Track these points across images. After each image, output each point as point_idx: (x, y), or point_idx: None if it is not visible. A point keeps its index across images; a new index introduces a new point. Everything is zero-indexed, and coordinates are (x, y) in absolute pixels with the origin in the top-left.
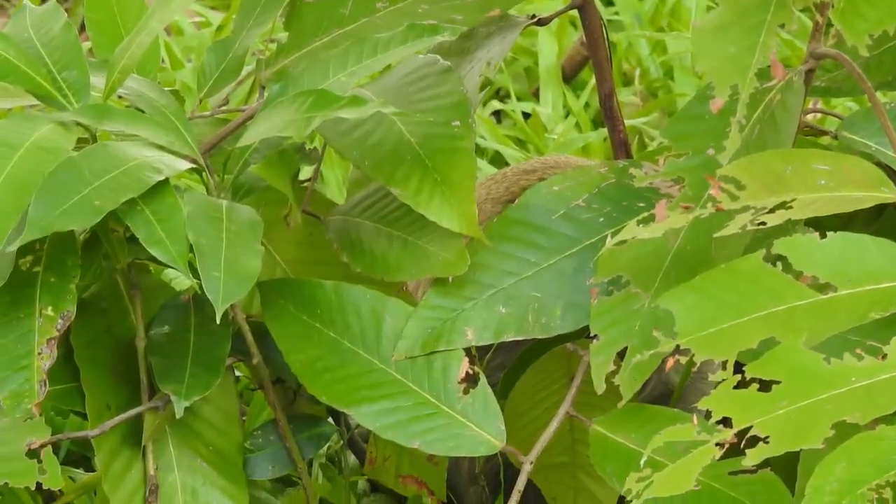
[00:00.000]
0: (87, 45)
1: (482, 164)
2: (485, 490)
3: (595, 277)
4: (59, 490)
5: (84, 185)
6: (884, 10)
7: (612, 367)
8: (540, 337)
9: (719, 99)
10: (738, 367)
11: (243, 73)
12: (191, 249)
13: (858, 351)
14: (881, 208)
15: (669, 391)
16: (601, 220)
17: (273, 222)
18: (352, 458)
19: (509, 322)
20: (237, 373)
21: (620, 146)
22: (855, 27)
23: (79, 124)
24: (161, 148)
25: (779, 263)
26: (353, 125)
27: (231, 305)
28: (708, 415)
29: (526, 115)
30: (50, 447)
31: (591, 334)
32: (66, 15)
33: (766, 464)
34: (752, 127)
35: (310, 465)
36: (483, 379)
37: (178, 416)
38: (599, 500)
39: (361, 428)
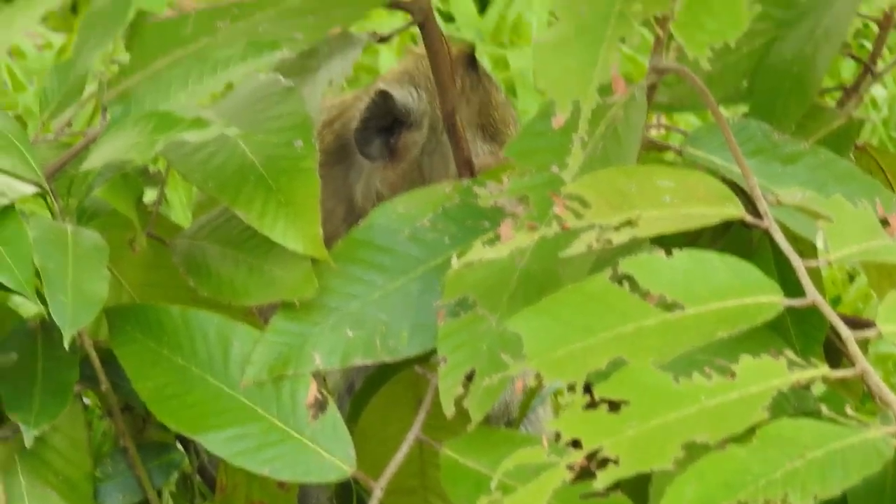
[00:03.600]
0: None
1: None
2: None
3: (442, 298)
4: None
5: None
6: (724, 20)
7: (460, 390)
8: (388, 360)
9: (561, 115)
10: (588, 388)
11: (86, 94)
12: (37, 275)
13: (707, 370)
14: (727, 224)
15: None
16: (446, 240)
17: (119, 246)
18: (202, 483)
19: (357, 345)
20: (86, 400)
21: (464, 165)
22: (695, 39)
23: None
24: (5, 172)
25: (626, 283)
26: (197, 147)
27: (78, 331)
28: (558, 437)
29: None
30: None
31: (439, 357)
32: None
33: (618, 486)
34: (596, 143)
35: (160, 492)
36: (332, 404)
37: (27, 446)
38: None
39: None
